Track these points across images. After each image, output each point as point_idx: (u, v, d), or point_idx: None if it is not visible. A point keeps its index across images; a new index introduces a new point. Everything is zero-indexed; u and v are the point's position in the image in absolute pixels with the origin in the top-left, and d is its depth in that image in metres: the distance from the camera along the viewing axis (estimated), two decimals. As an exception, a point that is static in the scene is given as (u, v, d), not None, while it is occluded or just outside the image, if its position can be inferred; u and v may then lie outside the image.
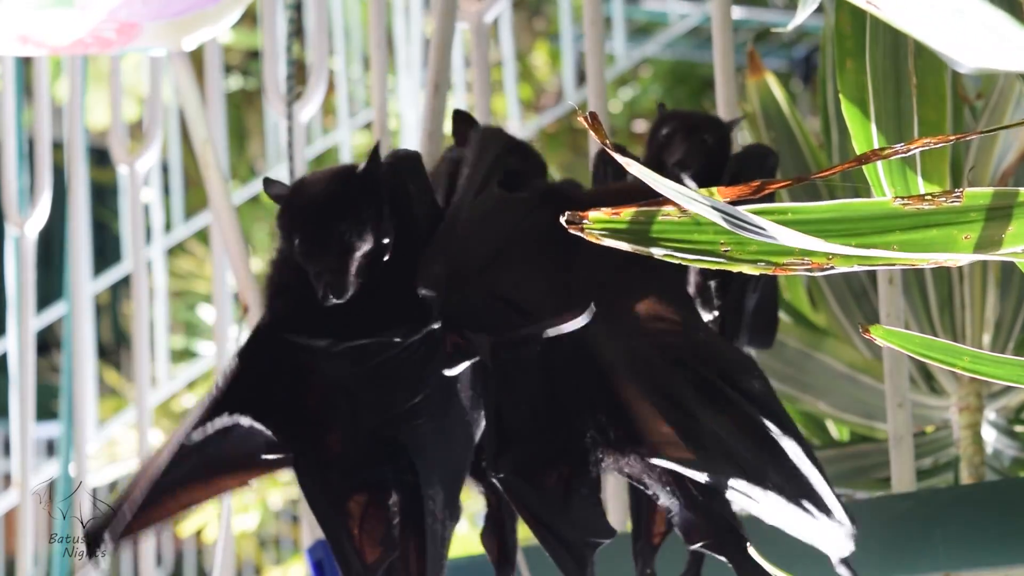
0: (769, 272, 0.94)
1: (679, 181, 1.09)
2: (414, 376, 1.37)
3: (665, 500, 1.40)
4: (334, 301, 1.31)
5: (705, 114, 1.65)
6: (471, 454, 1.41)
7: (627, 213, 0.92)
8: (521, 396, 1.38)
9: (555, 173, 1.58)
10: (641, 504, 1.48)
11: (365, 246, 1.34)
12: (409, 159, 1.41)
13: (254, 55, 6.68)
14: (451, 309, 1.35)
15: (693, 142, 1.56)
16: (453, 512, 1.41)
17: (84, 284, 2.83)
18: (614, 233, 0.93)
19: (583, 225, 0.92)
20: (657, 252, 0.93)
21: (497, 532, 1.45)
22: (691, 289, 1.49)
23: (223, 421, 1.34)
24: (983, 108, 2.18)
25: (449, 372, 1.35)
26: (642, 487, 1.41)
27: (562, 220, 0.93)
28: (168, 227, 4.73)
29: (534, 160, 1.54)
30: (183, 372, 4.77)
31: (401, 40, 4.58)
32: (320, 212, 1.34)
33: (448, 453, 1.40)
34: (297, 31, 2.18)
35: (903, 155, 0.96)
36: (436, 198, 1.44)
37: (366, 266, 1.34)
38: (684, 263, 0.94)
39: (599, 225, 0.93)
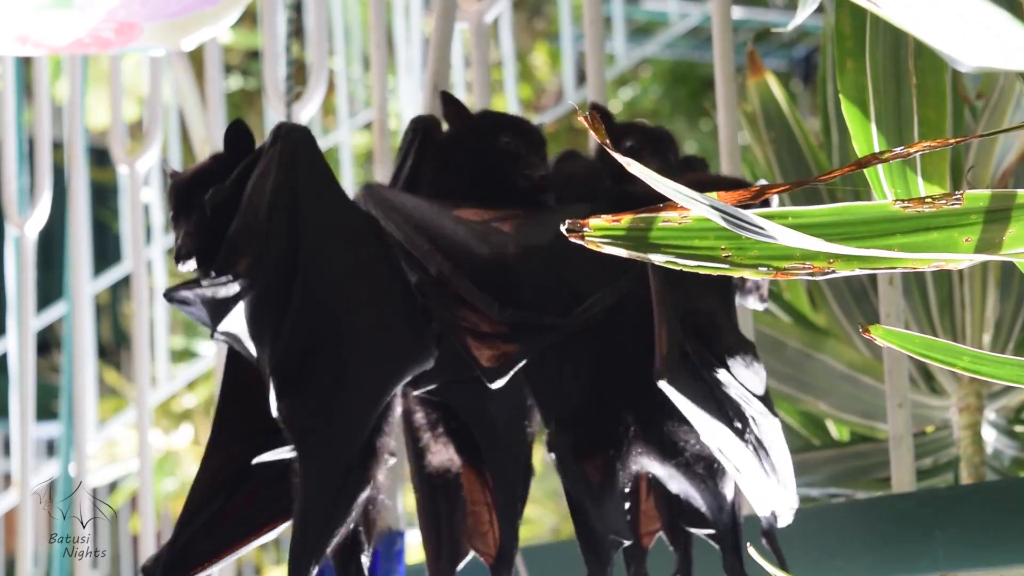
0: (771, 277, 0.93)
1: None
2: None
3: (676, 487, 1.40)
4: (186, 262, 1.41)
5: (663, 129, 1.58)
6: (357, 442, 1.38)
7: (626, 220, 0.92)
8: (579, 374, 1.38)
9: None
10: (628, 505, 1.46)
11: (224, 215, 1.42)
12: (295, 133, 1.44)
13: (254, 55, 6.68)
14: (519, 292, 1.37)
15: (661, 158, 1.51)
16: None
17: (84, 284, 2.83)
18: (614, 240, 0.92)
19: (583, 233, 0.92)
20: (657, 259, 0.92)
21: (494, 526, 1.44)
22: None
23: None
24: (983, 108, 2.18)
25: (496, 384, 1.36)
26: (651, 479, 1.41)
27: (562, 228, 0.92)
28: (168, 227, 4.72)
29: (530, 136, 1.50)
30: (183, 372, 4.77)
31: (401, 40, 4.57)
32: (184, 185, 1.46)
33: (334, 439, 1.38)
34: (297, 31, 2.18)
35: (903, 158, 0.96)
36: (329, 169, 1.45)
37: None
38: (684, 269, 0.93)
39: (599, 232, 0.92)
